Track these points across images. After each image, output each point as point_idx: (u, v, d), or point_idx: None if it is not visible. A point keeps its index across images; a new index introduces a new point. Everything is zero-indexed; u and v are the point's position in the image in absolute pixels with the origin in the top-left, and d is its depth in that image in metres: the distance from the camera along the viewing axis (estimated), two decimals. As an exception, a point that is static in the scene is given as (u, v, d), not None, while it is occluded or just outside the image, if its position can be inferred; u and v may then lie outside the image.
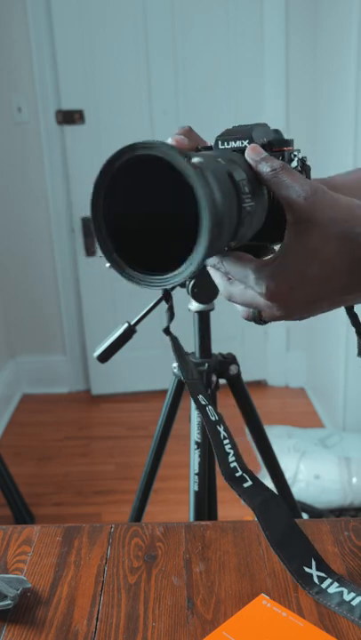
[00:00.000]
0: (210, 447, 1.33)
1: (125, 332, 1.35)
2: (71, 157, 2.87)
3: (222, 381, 1.36)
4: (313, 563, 0.66)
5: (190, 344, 1.36)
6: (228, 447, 0.67)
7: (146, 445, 1.52)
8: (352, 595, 0.63)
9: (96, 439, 2.83)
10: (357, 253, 0.53)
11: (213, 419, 0.67)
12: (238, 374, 1.39)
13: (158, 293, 1.34)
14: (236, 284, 0.57)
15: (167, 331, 0.68)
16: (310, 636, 0.59)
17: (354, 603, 0.62)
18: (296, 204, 0.53)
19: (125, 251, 0.52)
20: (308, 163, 0.62)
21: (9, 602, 0.64)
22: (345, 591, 0.63)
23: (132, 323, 1.35)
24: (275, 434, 2.26)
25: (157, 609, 0.64)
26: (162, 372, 1.96)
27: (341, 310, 0.65)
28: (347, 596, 0.63)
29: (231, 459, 0.66)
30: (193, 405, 1.31)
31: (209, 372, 1.32)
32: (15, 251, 3.03)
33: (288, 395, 3.12)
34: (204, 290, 1.26)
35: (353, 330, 0.69)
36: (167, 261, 0.50)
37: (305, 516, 2.01)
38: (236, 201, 0.52)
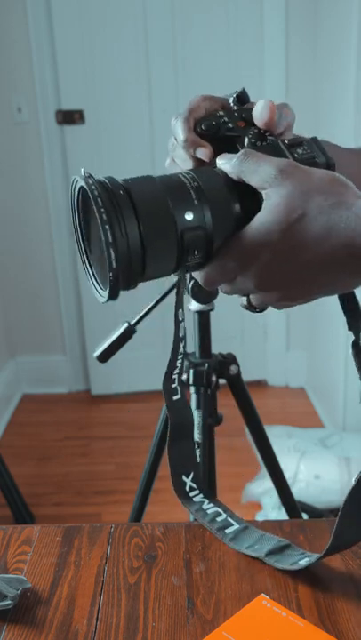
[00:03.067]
0: (210, 447, 1.33)
1: (125, 332, 1.35)
2: (71, 157, 2.87)
3: (222, 381, 1.36)
4: (191, 474, 0.76)
5: (190, 344, 1.36)
6: (179, 361, 0.73)
7: (146, 445, 1.52)
8: (210, 505, 0.76)
9: (96, 439, 2.83)
10: (333, 221, 0.51)
11: (181, 335, 0.71)
12: (238, 374, 1.39)
13: (158, 294, 1.34)
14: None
15: None
16: (310, 636, 0.59)
17: (209, 511, 0.75)
18: (266, 184, 0.53)
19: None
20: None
21: (9, 602, 0.64)
22: (206, 501, 0.76)
23: (132, 323, 1.35)
24: (275, 434, 2.26)
25: (157, 609, 0.64)
26: (162, 372, 1.96)
27: (341, 310, 0.65)
28: (205, 506, 0.75)
29: (176, 372, 0.74)
30: (193, 405, 1.31)
31: (209, 372, 1.32)
32: (15, 251, 3.03)
33: (288, 395, 3.11)
34: (204, 290, 1.26)
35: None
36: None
37: (305, 516, 2.01)
38: (169, 227, 0.53)
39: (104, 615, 0.64)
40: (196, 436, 1.29)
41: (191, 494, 0.76)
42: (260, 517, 2.14)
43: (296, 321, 3.04)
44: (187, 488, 0.76)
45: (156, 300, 1.33)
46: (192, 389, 1.32)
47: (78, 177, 0.54)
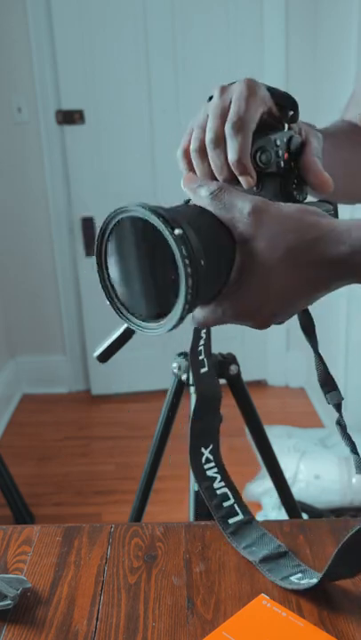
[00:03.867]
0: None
1: (125, 331, 1.35)
2: (71, 157, 2.87)
3: (222, 381, 1.36)
4: (210, 446, 0.75)
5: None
6: (203, 332, 0.75)
7: (146, 445, 1.52)
8: (222, 484, 0.74)
9: (96, 439, 2.83)
10: (312, 258, 0.52)
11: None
12: (238, 374, 1.39)
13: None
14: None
15: None
16: (310, 636, 0.59)
17: (218, 491, 0.74)
18: (239, 224, 0.52)
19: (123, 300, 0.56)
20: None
21: (9, 602, 0.64)
22: (218, 478, 0.74)
23: (132, 323, 1.34)
24: (275, 434, 2.26)
25: (157, 609, 0.64)
26: (162, 372, 1.96)
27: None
28: (216, 484, 0.74)
29: (201, 343, 0.75)
30: (193, 405, 1.31)
31: (209, 372, 1.32)
32: (15, 251, 3.03)
33: (288, 395, 3.11)
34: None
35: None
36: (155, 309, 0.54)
37: (305, 516, 2.01)
38: (224, 253, 0.53)
39: (104, 615, 0.64)
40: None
41: (206, 466, 0.75)
42: (260, 517, 2.14)
43: (296, 321, 3.04)
44: (203, 459, 0.74)
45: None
46: (192, 389, 1.32)
47: (133, 207, 0.51)
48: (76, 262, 3.01)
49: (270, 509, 2.13)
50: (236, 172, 0.58)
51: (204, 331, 0.72)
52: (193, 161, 0.61)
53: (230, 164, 0.58)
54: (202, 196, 0.54)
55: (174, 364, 1.36)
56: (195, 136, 0.60)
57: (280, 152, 0.58)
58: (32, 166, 2.92)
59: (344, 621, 0.61)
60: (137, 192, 2.68)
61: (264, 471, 1.60)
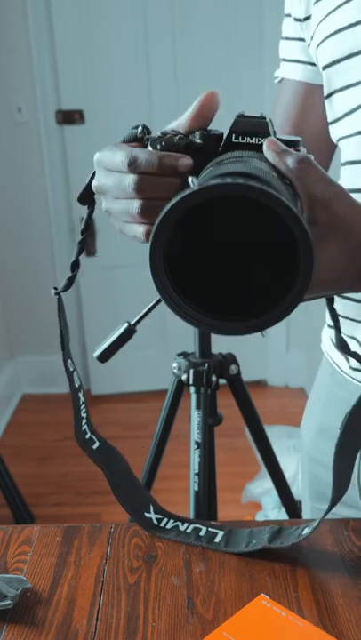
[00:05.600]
0: (210, 447, 1.33)
1: (125, 331, 1.35)
2: (71, 157, 2.87)
3: (222, 381, 1.36)
4: (151, 508, 0.75)
5: (190, 344, 1.36)
6: (83, 412, 0.71)
7: (146, 445, 1.52)
8: (186, 524, 0.74)
9: (96, 439, 2.83)
10: None
11: (77, 384, 0.71)
12: (238, 374, 1.39)
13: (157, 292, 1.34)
14: None
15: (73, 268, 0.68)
16: (310, 636, 0.59)
17: (188, 530, 0.73)
18: (320, 204, 0.51)
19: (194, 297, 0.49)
20: None
21: (9, 602, 0.64)
22: (180, 524, 0.74)
23: (132, 323, 1.35)
24: (275, 434, 2.26)
25: (157, 609, 0.64)
26: (162, 372, 1.96)
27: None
28: (182, 527, 0.73)
29: (84, 423, 0.72)
30: (193, 405, 1.31)
31: (209, 372, 1.32)
32: (15, 251, 3.03)
33: (288, 395, 3.12)
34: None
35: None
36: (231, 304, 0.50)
37: (305, 516, 2.01)
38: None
39: (104, 615, 0.64)
40: (196, 436, 1.29)
41: (162, 524, 0.74)
42: (260, 517, 2.14)
43: (296, 321, 3.04)
44: (155, 522, 0.74)
45: (156, 300, 1.33)
46: (192, 389, 1.32)
47: (254, 183, 0.43)
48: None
49: (270, 509, 2.13)
50: (175, 166, 0.56)
51: (84, 410, 0.70)
52: (141, 215, 0.57)
53: (159, 171, 0.56)
54: (287, 164, 0.51)
55: (174, 364, 1.36)
56: (127, 210, 0.58)
57: (168, 133, 0.58)
58: (32, 166, 2.92)
59: (344, 621, 0.61)
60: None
61: (264, 471, 1.60)
